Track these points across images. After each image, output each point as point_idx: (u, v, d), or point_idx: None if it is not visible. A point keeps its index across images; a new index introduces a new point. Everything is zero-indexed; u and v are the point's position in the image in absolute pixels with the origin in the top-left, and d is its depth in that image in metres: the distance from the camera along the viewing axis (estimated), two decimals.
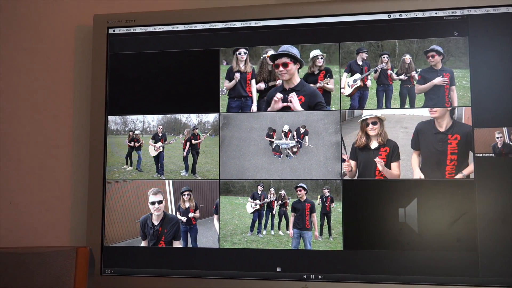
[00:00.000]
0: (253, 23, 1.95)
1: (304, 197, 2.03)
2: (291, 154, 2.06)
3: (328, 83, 2.03)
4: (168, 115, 1.98)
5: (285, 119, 2.05)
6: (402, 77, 2.03)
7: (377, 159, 1.96)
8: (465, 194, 1.90)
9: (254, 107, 1.95)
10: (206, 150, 1.95)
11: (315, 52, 2.07)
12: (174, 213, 2.08)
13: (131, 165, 2.14)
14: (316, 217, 2.01)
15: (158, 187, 2.08)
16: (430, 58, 1.99)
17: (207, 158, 1.94)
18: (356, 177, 1.98)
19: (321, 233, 2.01)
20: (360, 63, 2.06)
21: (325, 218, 1.99)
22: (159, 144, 2.14)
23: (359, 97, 2.05)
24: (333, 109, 2.02)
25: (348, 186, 1.96)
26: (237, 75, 2.10)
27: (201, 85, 1.96)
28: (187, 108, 2.03)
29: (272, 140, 2.06)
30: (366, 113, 1.97)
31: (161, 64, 2.02)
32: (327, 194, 1.96)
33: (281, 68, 1.97)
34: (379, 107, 2.02)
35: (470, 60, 1.97)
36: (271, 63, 2.04)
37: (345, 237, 1.96)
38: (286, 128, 2.04)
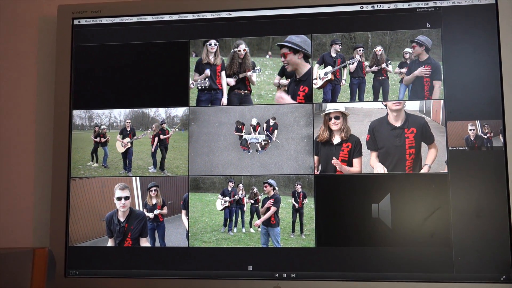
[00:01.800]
0: (223, 14, 1.89)
1: (272, 193, 1.97)
2: (260, 149, 1.99)
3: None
4: (136, 109, 1.91)
5: (255, 112, 1.99)
6: (374, 68, 1.99)
7: (334, 161, 1.91)
8: (439, 188, 1.85)
9: (224, 100, 1.89)
10: (175, 145, 1.89)
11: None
12: (141, 209, 2.00)
13: (97, 162, 2.06)
14: (272, 211, 1.95)
15: (125, 183, 1.99)
16: (412, 50, 1.94)
17: (176, 153, 1.88)
18: (318, 173, 1.92)
19: (293, 230, 1.95)
20: (333, 55, 2.01)
21: (297, 214, 1.93)
22: (127, 139, 2.06)
23: (331, 90, 1.99)
24: (302, 102, 1.96)
25: (321, 182, 1.90)
26: (207, 71, 2.04)
27: (169, 78, 1.90)
28: (155, 101, 1.98)
29: (242, 134, 1.99)
30: (330, 107, 1.91)
31: (128, 56, 1.97)
32: (299, 189, 1.90)
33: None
34: (352, 100, 1.98)
35: (443, 52, 1.94)
36: (237, 50, 1.99)
37: (317, 234, 1.90)
38: (254, 121, 1.98)
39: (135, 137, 2.04)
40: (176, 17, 1.96)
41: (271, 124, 1.96)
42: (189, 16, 1.96)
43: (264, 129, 1.95)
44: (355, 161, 1.91)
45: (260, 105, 1.99)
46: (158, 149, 1.94)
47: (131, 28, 1.96)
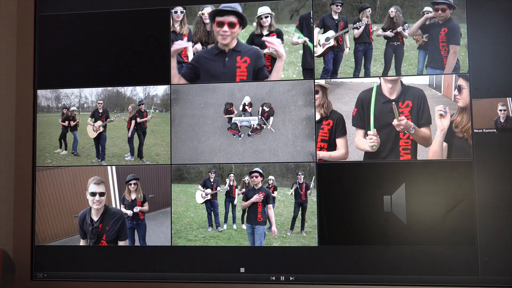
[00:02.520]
0: None
1: (260, 185, 1.70)
2: (251, 133, 1.71)
3: (275, 49, 1.66)
4: (109, 88, 1.75)
5: (246, 91, 1.71)
6: (388, 33, 1.69)
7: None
8: (462, 177, 1.57)
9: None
10: (155, 129, 1.78)
11: (264, 10, 1.72)
12: (118, 206, 1.73)
13: (65, 149, 1.79)
14: (272, 209, 1.68)
15: (99, 174, 1.72)
16: (440, 12, 1.65)
17: (156, 139, 1.72)
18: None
19: (292, 227, 1.67)
20: (335, 17, 1.71)
21: (300, 208, 1.66)
22: (99, 123, 1.79)
23: (333, 58, 1.70)
24: (300, 78, 1.67)
25: (324, 170, 1.63)
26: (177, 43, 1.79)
27: (148, 52, 1.68)
28: (131, 79, 1.77)
29: (232, 116, 1.71)
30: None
31: (100, 27, 1.79)
32: (302, 180, 1.63)
33: (225, 28, 1.67)
34: (356, 70, 1.68)
35: (467, 14, 1.64)
36: (211, 22, 1.73)
37: (320, 231, 1.64)
38: (247, 99, 1.70)
39: (108, 119, 1.77)
40: None
41: (266, 110, 1.67)
42: None
43: (259, 113, 1.65)
44: (339, 141, 1.65)
45: (252, 83, 1.69)
46: (135, 134, 1.76)
47: None
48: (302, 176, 1.67)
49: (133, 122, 1.80)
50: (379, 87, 1.65)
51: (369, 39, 1.71)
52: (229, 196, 1.74)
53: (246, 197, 1.71)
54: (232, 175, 1.72)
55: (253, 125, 1.71)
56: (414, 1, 1.69)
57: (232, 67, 1.70)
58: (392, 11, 1.69)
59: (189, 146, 1.73)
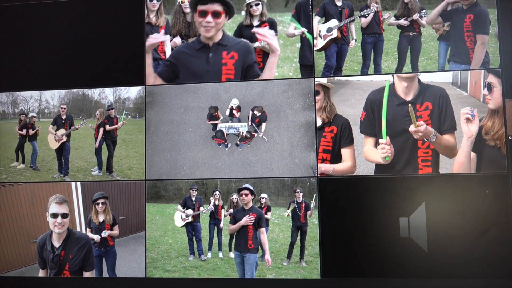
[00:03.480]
0: None
1: (250, 204, 1.42)
2: (239, 142, 1.44)
3: (268, 42, 1.40)
4: (74, 91, 1.58)
5: (233, 92, 1.43)
6: (402, 21, 1.41)
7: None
8: (495, 194, 1.30)
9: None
10: (127, 138, 1.55)
11: None
12: (83, 230, 1.46)
13: (23, 162, 1.53)
14: (265, 234, 1.40)
15: (61, 192, 1.44)
16: None
17: (128, 150, 1.53)
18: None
19: (289, 255, 1.39)
20: (338, 3, 1.44)
21: (299, 233, 1.38)
22: (62, 131, 1.53)
23: (336, 52, 1.43)
24: (298, 77, 1.40)
25: (327, 187, 1.35)
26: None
27: (118, 47, 1.57)
28: (99, 80, 1.56)
29: (217, 123, 1.43)
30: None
31: (63, 19, 1.58)
32: (301, 198, 1.37)
33: (209, 19, 1.42)
34: (365, 66, 1.41)
35: (498, 2, 1.36)
36: (192, 11, 1.47)
37: (323, 261, 1.37)
38: (234, 103, 1.43)
39: (73, 127, 1.50)
40: None
41: (257, 115, 1.40)
42: None
43: (249, 119, 1.39)
44: (345, 152, 1.40)
45: (241, 82, 1.42)
46: (104, 144, 1.56)
47: None
48: (301, 193, 1.39)
49: (101, 130, 1.54)
50: (392, 86, 1.37)
51: (379, 29, 1.45)
52: (214, 218, 1.47)
53: (234, 219, 1.43)
54: (217, 192, 1.44)
55: (242, 132, 1.43)
56: None
57: (217, 64, 1.43)
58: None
59: (166, 158, 1.47)
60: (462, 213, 1.34)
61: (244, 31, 1.50)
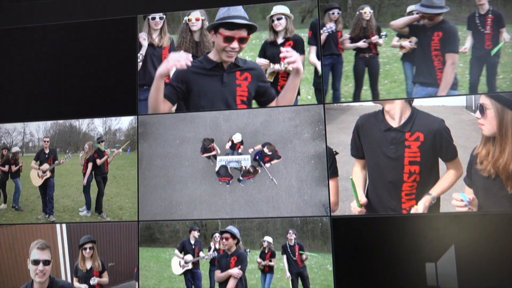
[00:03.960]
0: None
1: (234, 248, 1.25)
2: (242, 178, 1.29)
3: (292, 63, 1.27)
4: (61, 122, 1.45)
5: (234, 121, 1.30)
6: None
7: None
8: None
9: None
10: (118, 174, 1.41)
11: (278, 9, 1.32)
12: (68, 280, 1.31)
13: (5, 201, 1.42)
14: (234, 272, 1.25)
15: (46, 234, 1.31)
16: (427, 21, 1.30)
17: (119, 187, 1.39)
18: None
19: None
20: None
21: (299, 279, 1.21)
22: (46, 166, 1.38)
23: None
24: (309, 103, 1.26)
25: (342, 227, 1.18)
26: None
27: (108, 74, 1.44)
28: (88, 110, 1.43)
29: (210, 155, 1.29)
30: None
31: (49, 44, 1.46)
32: (293, 240, 1.25)
33: (235, 45, 1.30)
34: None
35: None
36: (211, 31, 1.30)
37: None
38: (237, 138, 1.29)
39: (56, 161, 1.36)
40: None
41: (268, 153, 1.28)
42: None
43: (257, 158, 1.31)
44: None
45: (242, 110, 1.27)
46: (93, 181, 1.42)
47: (50, 2, 1.30)
48: (294, 235, 1.26)
49: (90, 165, 1.39)
50: (380, 111, 1.25)
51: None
52: (214, 265, 1.29)
53: (219, 265, 1.27)
54: (218, 235, 1.28)
55: (245, 167, 1.27)
56: None
57: (231, 85, 1.32)
58: (366, 12, 1.31)
59: (161, 196, 1.33)
60: (498, 256, 1.16)
61: (268, 49, 1.37)
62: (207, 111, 1.34)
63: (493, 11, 1.23)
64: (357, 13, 1.31)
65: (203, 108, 1.34)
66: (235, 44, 1.29)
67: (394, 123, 1.23)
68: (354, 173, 1.26)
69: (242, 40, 1.30)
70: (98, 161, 1.42)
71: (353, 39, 1.33)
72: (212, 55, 1.33)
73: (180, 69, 1.31)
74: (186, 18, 1.41)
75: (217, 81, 1.32)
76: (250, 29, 1.30)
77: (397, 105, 1.24)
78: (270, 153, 1.29)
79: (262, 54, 1.37)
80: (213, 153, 1.32)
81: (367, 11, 1.30)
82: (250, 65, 1.33)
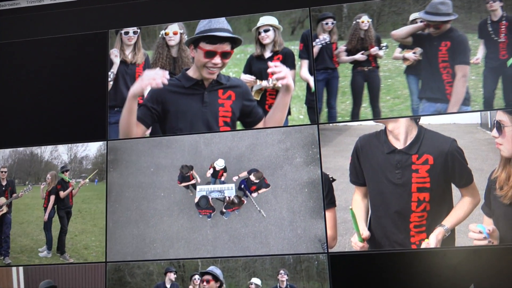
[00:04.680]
0: None
1: None
2: (226, 210, 1.13)
3: (281, 80, 1.14)
4: (21, 149, 1.30)
5: (216, 145, 1.17)
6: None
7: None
8: None
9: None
10: (84, 208, 1.25)
11: (265, 20, 1.19)
12: None
13: None
14: None
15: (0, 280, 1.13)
16: (433, 29, 1.19)
17: (84, 223, 1.24)
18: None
19: None
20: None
21: None
22: (2, 200, 1.24)
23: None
24: (301, 123, 1.11)
25: (341, 266, 1.02)
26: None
27: (75, 95, 1.30)
28: (51, 135, 1.29)
29: (188, 184, 1.14)
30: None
31: (5, 61, 1.34)
32: (285, 282, 1.11)
33: (217, 60, 1.18)
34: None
35: None
36: (191, 46, 1.22)
37: None
38: (220, 164, 1.15)
39: (15, 195, 1.21)
40: None
41: (255, 181, 1.14)
42: None
43: (242, 187, 1.17)
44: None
45: (225, 133, 1.13)
46: (55, 216, 1.26)
47: (12, 17, 1.19)
48: (286, 276, 1.11)
49: (52, 198, 1.25)
50: (383, 131, 1.12)
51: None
52: None
53: None
54: (197, 277, 1.11)
55: (228, 197, 1.11)
56: (399, 5, 1.17)
57: (213, 105, 1.20)
58: (363, 21, 1.21)
59: (132, 233, 1.20)
60: None
61: (253, 64, 1.26)
62: (185, 135, 1.20)
63: (507, 17, 1.12)
64: (354, 22, 1.20)
65: (181, 131, 1.19)
66: (217, 60, 1.16)
67: (399, 145, 1.09)
68: (354, 202, 1.11)
69: (225, 55, 1.17)
70: (62, 194, 1.26)
71: (350, 51, 1.21)
72: (191, 72, 1.19)
73: (155, 88, 1.16)
74: (162, 32, 1.28)
75: (197, 101, 1.18)
76: (234, 42, 1.18)
77: (402, 124, 1.10)
78: (257, 181, 1.13)
79: (248, 70, 1.26)
80: (192, 182, 1.17)
81: (364, 20, 1.19)
82: (234, 82, 1.20)
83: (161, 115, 1.18)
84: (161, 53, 1.28)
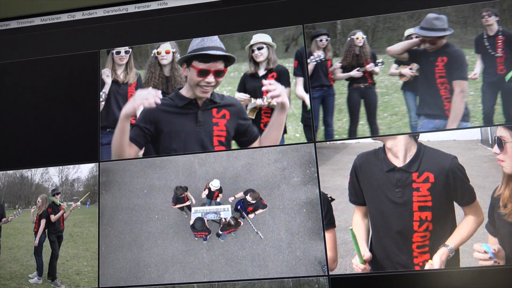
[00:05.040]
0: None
1: None
2: (222, 232, 1.09)
3: (276, 98, 1.12)
4: (10, 172, 1.27)
5: (211, 165, 1.13)
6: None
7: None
8: None
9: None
10: (75, 232, 1.21)
11: (258, 38, 1.17)
12: None
13: None
14: None
15: None
16: (428, 45, 1.17)
17: (76, 247, 1.19)
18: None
19: None
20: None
21: None
22: None
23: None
24: (298, 141, 1.09)
25: None
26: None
27: (66, 116, 1.27)
28: (42, 157, 1.25)
29: (183, 205, 1.10)
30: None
31: None
32: None
33: (210, 79, 1.15)
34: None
35: None
36: (183, 64, 1.21)
37: None
38: (215, 185, 1.10)
39: (4, 219, 1.18)
40: (77, 15, 1.16)
41: (251, 202, 1.10)
42: (99, 12, 1.15)
43: (239, 208, 1.13)
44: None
45: (220, 153, 1.11)
46: (45, 241, 1.22)
47: (2, 38, 1.19)
48: None
49: (43, 221, 1.21)
50: (381, 149, 1.08)
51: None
52: None
53: None
54: None
55: (225, 219, 1.08)
56: (394, 21, 1.15)
57: (207, 124, 1.17)
58: (358, 38, 1.19)
59: (126, 257, 1.15)
60: None
61: (247, 82, 1.23)
62: (179, 155, 1.16)
63: (503, 32, 1.10)
64: (348, 39, 1.18)
65: (174, 151, 1.16)
66: (210, 78, 1.13)
67: (398, 162, 1.05)
68: (354, 222, 1.07)
69: (218, 74, 1.14)
70: (53, 217, 1.21)
71: (345, 68, 1.19)
72: (184, 91, 1.17)
73: (148, 107, 1.14)
74: (155, 51, 1.25)
75: (191, 120, 1.15)
76: (228, 60, 1.15)
77: (401, 141, 1.07)
78: (254, 201, 1.10)
79: (242, 88, 1.23)
80: (187, 203, 1.13)
81: (359, 37, 1.17)
82: (228, 101, 1.17)
83: (154, 135, 1.15)
84: (153, 72, 1.25)
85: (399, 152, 1.06)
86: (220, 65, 1.14)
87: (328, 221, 1.07)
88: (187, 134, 1.16)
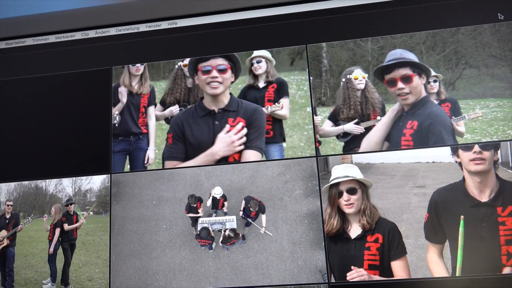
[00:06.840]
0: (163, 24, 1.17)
1: None
2: (224, 245, 1.14)
3: (280, 108, 1.17)
4: (25, 183, 1.30)
5: (217, 177, 1.16)
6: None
7: (352, 273, 1.07)
8: None
9: (151, 153, 1.26)
10: (88, 240, 1.25)
11: (258, 52, 1.24)
12: None
13: None
14: None
15: None
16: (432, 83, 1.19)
17: (88, 255, 1.23)
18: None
19: None
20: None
21: None
22: (4, 233, 1.24)
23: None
24: (302, 150, 1.14)
25: None
26: (122, 90, 1.32)
27: (79, 129, 1.32)
28: (56, 168, 1.29)
29: (197, 216, 1.15)
30: (338, 172, 1.12)
31: (9, 98, 1.36)
32: None
33: (214, 74, 1.23)
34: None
35: None
36: (193, 73, 1.29)
37: None
38: (217, 192, 1.14)
39: (16, 227, 1.21)
40: (91, 33, 1.22)
41: (252, 208, 1.12)
42: (112, 31, 1.21)
43: (242, 214, 1.17)
44: (395, 265, 1.06)
45: (226, 166, 1.16)
46: (59, 249, 1.25)
47: (18, 55, 1.23)
48: None
49: (57, 230, 1.24)
50: (461, 182, 1.08)
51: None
52: None
53: None
54: None
55: (225, 231, 1.13)
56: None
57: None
58: (358, 78, 1.19)
59: (135, 265, 1.18)
60: None
61: (248, 93, 1.28)
62: (187, 167, 1.21)
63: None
64: (345, 78, 1.21)
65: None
66: (214, 73, 1.21)
67: (483, 197, 1.06)
68: (431, 261, 1.05)
69: (221, 70, 1.22)
70: (66, 227, 1.26)
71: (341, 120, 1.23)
72: (205, 101, 1.24)
73: (174, 120, 1.23)
74: (180, 63, 1.31)
75: (209, 130, 1.22)
76: (231, 61, 1.23)
77: (486, 174, 1.07)
78: (256, 208, 1.15)
79: (243, 99, 1.27)
80: (199, 214, 1.17)
81: (356, 76, 1.19)
82: (245, 108, 1.23)
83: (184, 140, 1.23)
84: (179, 84, 1.30)
85: (483, 184, 1.06)
86: (220, 61, 1.22)
87: (401, 250, 1.07)
88: (205, 145, 1.21)
